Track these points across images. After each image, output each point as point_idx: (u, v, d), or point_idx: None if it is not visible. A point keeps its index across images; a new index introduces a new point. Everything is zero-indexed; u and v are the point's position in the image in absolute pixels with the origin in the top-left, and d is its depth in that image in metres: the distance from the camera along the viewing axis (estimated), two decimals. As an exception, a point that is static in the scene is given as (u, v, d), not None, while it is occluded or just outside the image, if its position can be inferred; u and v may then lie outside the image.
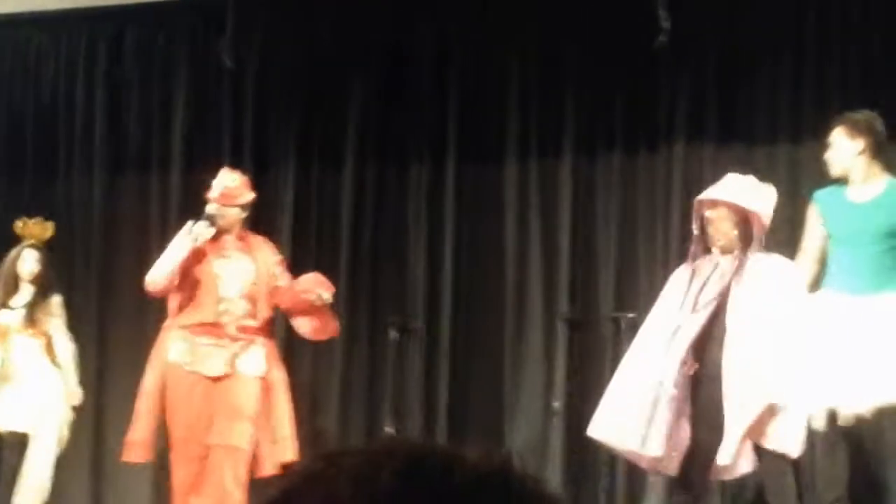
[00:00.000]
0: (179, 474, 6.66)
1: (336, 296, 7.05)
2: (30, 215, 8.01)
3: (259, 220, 7.48)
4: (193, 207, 8.55)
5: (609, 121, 7.87)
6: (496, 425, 7.77)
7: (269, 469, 6.63)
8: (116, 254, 8.75)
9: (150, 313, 8.36)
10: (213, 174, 8.47)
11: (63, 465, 7.61)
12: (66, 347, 7.48)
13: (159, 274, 6.77)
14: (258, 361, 6.71)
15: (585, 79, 7.89)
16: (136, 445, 6.78)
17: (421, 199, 8.12)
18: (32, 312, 7.38)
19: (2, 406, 7.29)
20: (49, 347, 7.41)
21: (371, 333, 7.96)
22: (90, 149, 8.87)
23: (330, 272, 7.32)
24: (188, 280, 6.76)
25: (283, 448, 6.65)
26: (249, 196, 6.96)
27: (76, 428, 7.72)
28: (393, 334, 7.61)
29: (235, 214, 6.85)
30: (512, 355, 7.85)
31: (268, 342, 6.84)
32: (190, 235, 6.72)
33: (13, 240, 7.92)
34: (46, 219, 8.70)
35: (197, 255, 6.75)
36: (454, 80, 8.15)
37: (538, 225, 7.95)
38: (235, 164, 8.46)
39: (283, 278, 6.84)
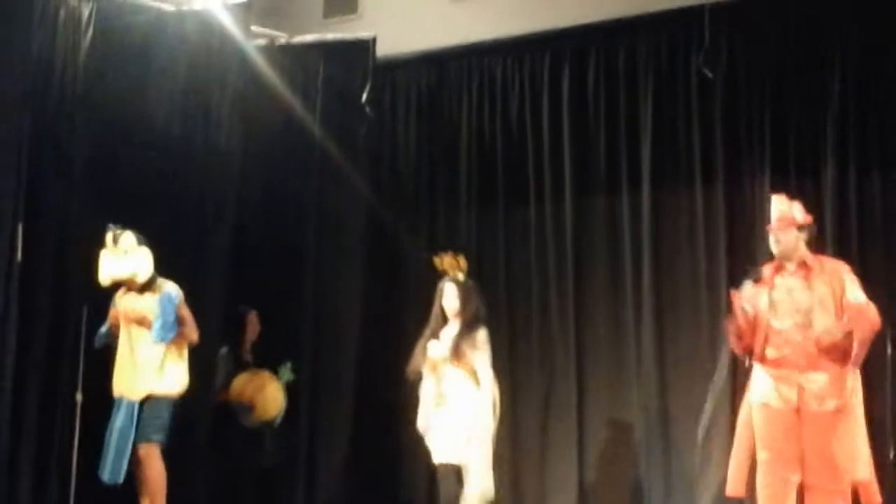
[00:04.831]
0: (765, 493, 6.54)
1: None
2: (453, 247, 8.09)
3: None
4: (664, 227, 8.43)
5: None
6: None
7: None
8: (590, 277, 8.73)
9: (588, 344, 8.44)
10: (683, 192, 8.35)
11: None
12: (487, 378, 7.58)
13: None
14: (828, 392, 6.45)
15: None
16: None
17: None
18: (457, 345, 7.56)
19: (439, 438, 7.55)
20: (474, 378, 7.55)
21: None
22: (559, 171, 8.89)
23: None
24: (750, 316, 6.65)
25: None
26: (806, 219, 6.69)
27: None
28: (890, 350, 7.21)
29: (792, 240, 6.62)
30: None
31: (836, 369, 6.50)
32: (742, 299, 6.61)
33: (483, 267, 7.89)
34: (517, 242, 8.85)
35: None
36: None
37: None
38: (706, 180, 8.28)
39: (848, 297, 6.50)
